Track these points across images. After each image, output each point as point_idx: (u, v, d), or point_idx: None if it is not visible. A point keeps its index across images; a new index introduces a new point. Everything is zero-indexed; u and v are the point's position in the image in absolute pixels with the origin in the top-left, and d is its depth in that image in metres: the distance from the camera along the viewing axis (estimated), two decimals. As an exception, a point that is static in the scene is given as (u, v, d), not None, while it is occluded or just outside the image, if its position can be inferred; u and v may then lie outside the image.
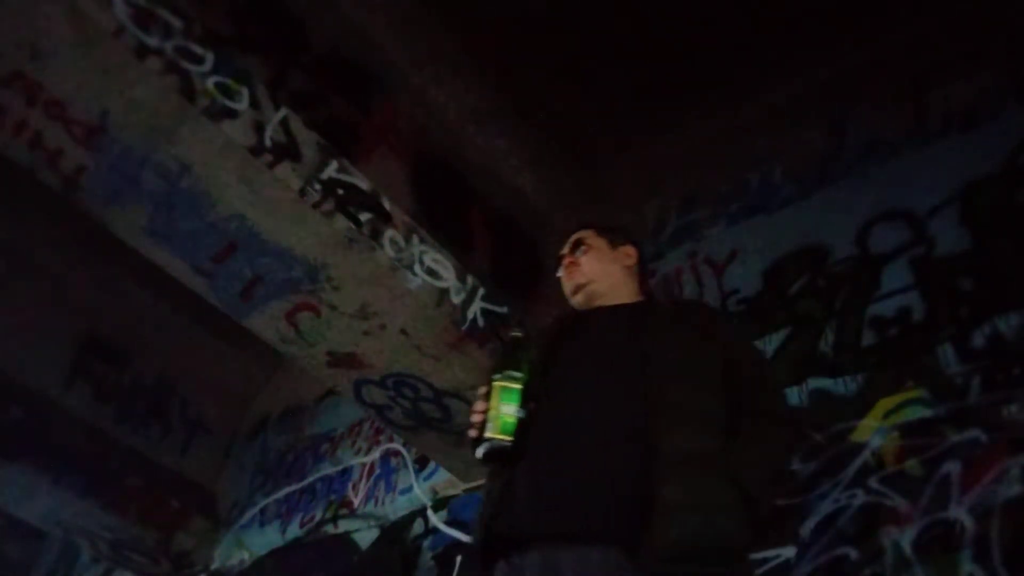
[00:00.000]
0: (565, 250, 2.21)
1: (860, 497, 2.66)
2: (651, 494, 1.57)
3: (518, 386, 1.78)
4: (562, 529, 1.62)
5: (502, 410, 1.75)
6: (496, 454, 1.75)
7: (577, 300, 2.13)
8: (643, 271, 2.24)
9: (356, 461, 4.81)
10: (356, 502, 4.59)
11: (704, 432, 1.70)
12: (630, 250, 2.21)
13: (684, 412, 1.70)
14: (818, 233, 3.41)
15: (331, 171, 3.19)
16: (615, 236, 2.22)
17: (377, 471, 4.63)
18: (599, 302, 2.09)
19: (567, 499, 1.64)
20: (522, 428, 1.74)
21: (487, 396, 1.80)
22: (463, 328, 3.50)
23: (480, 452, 1.76)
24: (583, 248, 2.16)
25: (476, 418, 1.81)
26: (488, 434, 1.75)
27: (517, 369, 1.81)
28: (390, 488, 4.47)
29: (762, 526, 1.81)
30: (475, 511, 1.85)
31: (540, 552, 1.63)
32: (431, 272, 3.43)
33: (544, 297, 3.96)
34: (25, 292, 5.06)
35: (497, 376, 1.81)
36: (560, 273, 2.21)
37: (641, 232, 4.04)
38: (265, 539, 5.03)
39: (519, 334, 1.96)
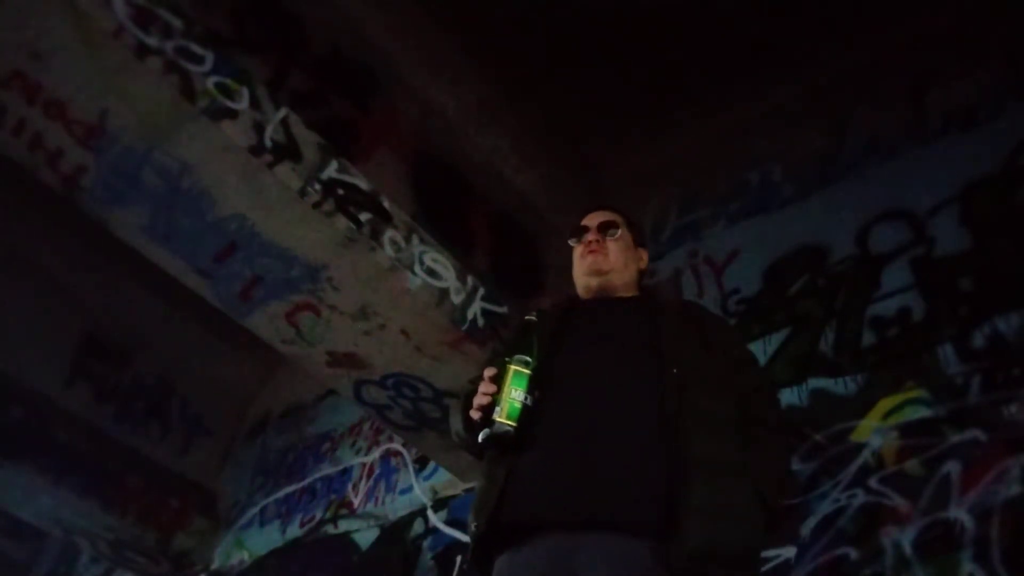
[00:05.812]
0: (591, 224, 2.09)
1: (860, 497, 2.66)
2: (676, 494, 1.59)
3: (528, 371, 1.74)
4: (586, 516, 1.60)
5: (512, 395, 1.71)
6: (498, 439, 1.71)
7: (591, 284, 2.05)
8: (644, 276, 2.24)
9: (356, 461, 4.81)
10: (356, 502, 4.59)
11: (725, 438, 1.73)
12: (644, 253, 2.19)
13: (706, 418, 1.72)
14: (818, 233, 3.41)
15: (331, 171, 3.19)
16: (638, 236, 2.20)
17: (377, 471, 4.63)
18: (609, 294, 2.05)
19: (592, 487, 1.62)
20: (526, 415, 1.71)
21: (495, 378, 1.76)
22: (463, 328, 3.50)
23: (483, 435, 1.73)
24: (615, 233, 2.08)
25: (483, 400, 1.75)
26: (495, 418, 1.70)
27: (529, 354, 1.77)
28: (390, 488, 4.47)
29: (774, 531, 1.85)
30: (472, 500, 1.80)
31: (552, 539, 1.61)
32: (431, 272, 3.43)
33: (544, 297, 3.96)
34: (25, 292, 5.06)
35: (509, 359, 1.76)
36: (577, 247, 2.10)
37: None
38: (265, 539, 5.03)
39: (533, 318, 1.91)
